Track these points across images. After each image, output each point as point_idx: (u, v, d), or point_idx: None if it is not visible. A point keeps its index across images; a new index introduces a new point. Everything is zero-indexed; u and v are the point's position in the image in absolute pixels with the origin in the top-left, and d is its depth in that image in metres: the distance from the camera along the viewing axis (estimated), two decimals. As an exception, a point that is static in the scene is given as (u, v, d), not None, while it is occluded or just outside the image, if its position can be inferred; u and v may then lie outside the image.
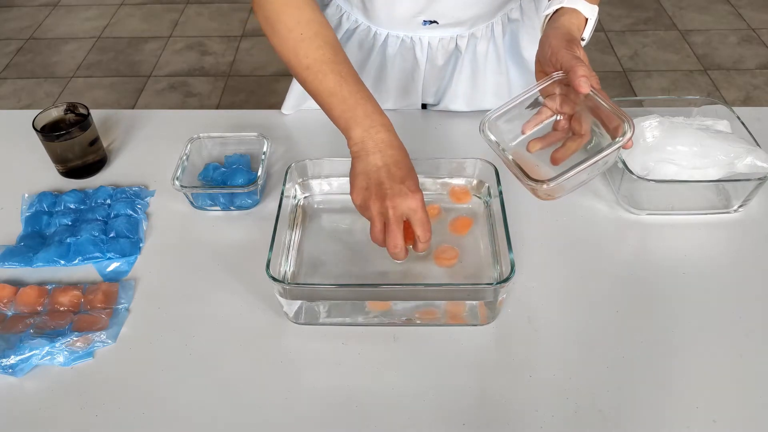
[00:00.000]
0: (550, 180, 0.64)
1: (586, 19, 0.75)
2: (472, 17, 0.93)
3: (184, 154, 0.91)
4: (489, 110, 0.70)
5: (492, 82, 1.01)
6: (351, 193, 0.73)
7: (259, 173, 0.86)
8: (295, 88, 1.03)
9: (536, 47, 0.73)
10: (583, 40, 0.75)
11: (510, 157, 0.69)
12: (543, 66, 0.72)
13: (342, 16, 0.99)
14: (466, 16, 0.93)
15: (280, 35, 0.79)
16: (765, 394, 0.67)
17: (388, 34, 0.96)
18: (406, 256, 0.73)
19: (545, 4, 0.78)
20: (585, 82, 0.65)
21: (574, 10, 0.74)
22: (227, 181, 0.89)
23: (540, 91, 0.70)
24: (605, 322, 0.74)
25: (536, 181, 0.65)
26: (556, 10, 0.75)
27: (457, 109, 1.04)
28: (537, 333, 0.73)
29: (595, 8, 0.76)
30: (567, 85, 0.68)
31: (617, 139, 0.65)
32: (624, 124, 0.64)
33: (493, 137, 0.70)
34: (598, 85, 0.67)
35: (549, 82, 0.69)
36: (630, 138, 0.64)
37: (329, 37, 0.78)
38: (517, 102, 0.71)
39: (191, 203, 0.88)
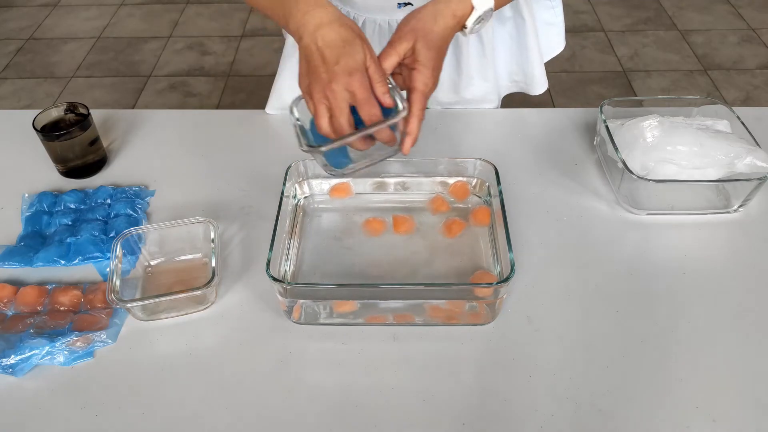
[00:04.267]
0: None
1: (473, 8, 0.74)
2: None
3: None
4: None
5: (476, 65, 1.01)
6: (298, 80, 0.71)
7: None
8: (278, 86, 1.03)
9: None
10: (465, 27, 0.75)
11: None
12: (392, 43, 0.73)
13: None
14: None
15: None
16: (765, 394, 0.67)
17: (365, 19, 0.97)
18: (363, 147, 0.71)
19: None
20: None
21: None
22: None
23: None
24: (605, 322, 0.74)
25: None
26: None
27: (445, 99, 1.04)
28: (537, 333, 0.73)
29: (490, 2, 0.75)
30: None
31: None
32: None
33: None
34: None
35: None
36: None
37: None
38: None
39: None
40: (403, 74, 0.75)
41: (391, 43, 0.72)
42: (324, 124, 0.68)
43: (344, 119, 0.67)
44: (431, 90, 0.73)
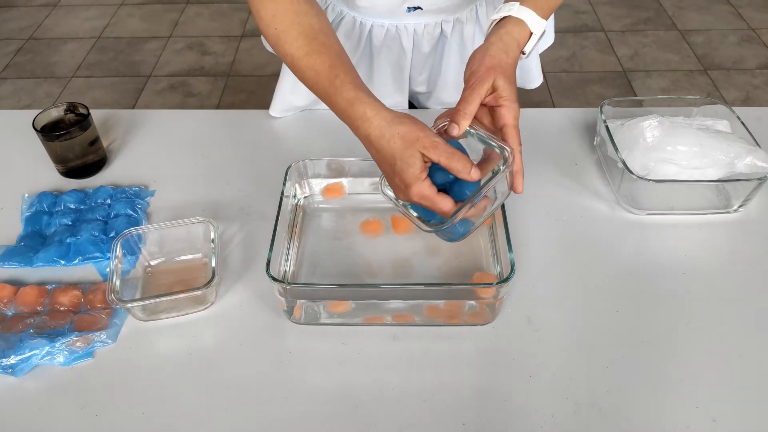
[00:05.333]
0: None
1: (531, 33, 0.75)
2: (456, 1, 0.93)
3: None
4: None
5: None
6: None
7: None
8: (282, 89, 1.03)
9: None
10: (523, 53, 0.75)
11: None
12: (465, 78, 0.72)
13: (327, 8, 0.99)
14: (450, 0, 0.93)
15: (263, 32, 0.77)
16: (765, 394, 0.67)
17: (373, 24, 0.96)
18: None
19: None
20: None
21: (521, 22, 0.74)
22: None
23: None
24: (605, 322, 0.74)
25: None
26: (503, 18, 0.75)
27: (449, 99, 1.04)
28: (537, 333, 0.73)
29: (543, 23, 0.75)
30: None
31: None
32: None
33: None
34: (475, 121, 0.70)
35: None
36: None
37: (305, 24, 0.74)
38: None
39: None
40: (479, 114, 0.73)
41: (471, 88, 0.70)
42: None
43: (438, 209, 0.67)
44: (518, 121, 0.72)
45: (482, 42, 1.01)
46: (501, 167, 0.68)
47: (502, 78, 0.70)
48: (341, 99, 0.70)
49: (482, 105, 0.71)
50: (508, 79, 0.71)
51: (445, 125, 0.70)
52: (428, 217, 0.70)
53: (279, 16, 0.75)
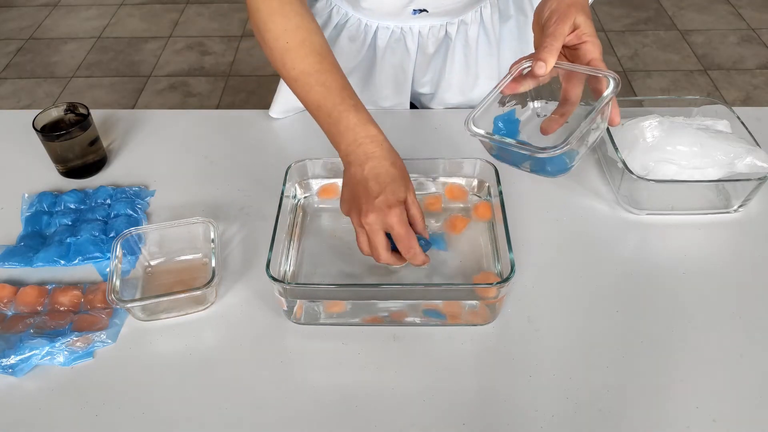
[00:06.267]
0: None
1: None
2: (461, 3, 0.93)
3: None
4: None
5: (484, 64, 1.01)
6: (340, 203, 0.74)
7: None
8: (283, 90, 1.03)
9: (526, 26, 0.73)
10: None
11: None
12: (538, 22, 0.70)
13: (332, 10, 0.99)
14: (456, 2, 0.93)
15: (268, 45, 0.78)
16: (765, 394, 0.67)
17: (378, 26, 0.96)
18: (399, 263, 0.72)
19: None
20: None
21: None
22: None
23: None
24: (605, 322, 0.74)
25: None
26: None
27: (452, 100, 1.04)
28: (537, 333, 0.73)
29: None
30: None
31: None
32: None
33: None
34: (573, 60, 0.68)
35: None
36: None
37: (316, 43, 0.77)
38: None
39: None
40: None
41: (555, 23, 0.67)
42: (364, 248, 0.71)
43: (381, 248, 0.69)
44: None
45: (488, 44, 1.02)
46: (609, 92, 0.64)
47: (583, 14, 0.68)
48: (354, 116, 0.73)
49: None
50: (588, 16, 0.69)
51: (526, 67, 0.67)
52: None
53: (291, 31, 0.77)
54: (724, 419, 0.65)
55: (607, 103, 0.65)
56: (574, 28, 0.68)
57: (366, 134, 0.72)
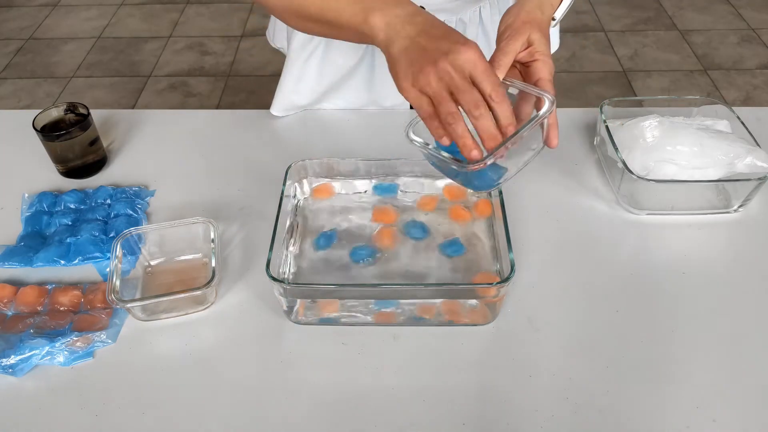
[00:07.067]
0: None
1: None
2: (459, 2, 0.93)
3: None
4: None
5: None
6: (398, 84, 0.64)
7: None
8: (284, 88, 1.02)
9: None
10: (553, 19, 0.74)
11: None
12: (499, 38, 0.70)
13: None
14: (454, 1, 0.92)
15: None
16: (765, 394, 0.67)
17: None
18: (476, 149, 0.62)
19: None
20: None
21: None
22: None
23: None
24: (605, 322, 0.74)
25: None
26: None
27: None
28: (537, 333, 0.73)
29: None
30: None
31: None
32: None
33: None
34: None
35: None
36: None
37: None
38: None
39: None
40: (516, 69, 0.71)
41: (508, 39, 0.67)
42: (445, 113, 0.61)
43: (469, 96, 0.60)
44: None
45: (487, 44, 1.01)
46: (542, 112, 0.64)
47: (538, 32, 0.68)
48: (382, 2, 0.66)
49: (513, 63, 0.68)
50: (543, 34, 0.69)
51: None
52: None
53: None
54: (724, 419, 0.65)
55: (541, 123, 0.65)
56: (528, 45, 0.68)
57: (402, 9, 0.66)
